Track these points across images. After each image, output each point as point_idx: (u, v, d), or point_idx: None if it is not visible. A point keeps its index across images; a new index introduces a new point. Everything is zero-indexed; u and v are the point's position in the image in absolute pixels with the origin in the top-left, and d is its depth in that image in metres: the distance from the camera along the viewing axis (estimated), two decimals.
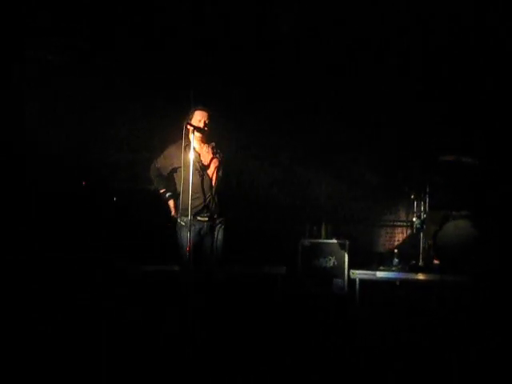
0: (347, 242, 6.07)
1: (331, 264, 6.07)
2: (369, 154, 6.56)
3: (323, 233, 6.29)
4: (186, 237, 3.98)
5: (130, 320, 4.48)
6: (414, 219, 6.01)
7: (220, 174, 4.21)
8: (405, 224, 6.68)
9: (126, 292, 5.27)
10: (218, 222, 4.22)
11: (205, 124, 4.14)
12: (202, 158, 4.18)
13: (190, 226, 3.97)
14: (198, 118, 4.15)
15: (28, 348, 3.71)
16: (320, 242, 6.17)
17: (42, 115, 5.53)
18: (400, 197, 6.52)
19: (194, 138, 4.07)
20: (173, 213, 4.31)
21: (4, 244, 5.22)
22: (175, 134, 4.14)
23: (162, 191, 4.35)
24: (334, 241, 6.13)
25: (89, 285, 5.33)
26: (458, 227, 5.66)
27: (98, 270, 5.67)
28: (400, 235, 6.77)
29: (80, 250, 5.70)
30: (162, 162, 4.30)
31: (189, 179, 3.89)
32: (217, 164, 4.21)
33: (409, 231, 6.62)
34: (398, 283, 5.85)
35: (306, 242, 6.16)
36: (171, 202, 4.30)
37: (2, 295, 4.64)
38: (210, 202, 4.15)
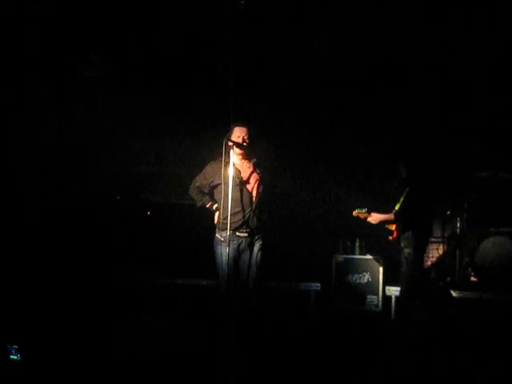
0: (381, 258, 6.01)
1: (365, 280, 5.98)
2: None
3: (357, 248, 6.23)
4: (225, 251, 4.00)
5: (159, 335, 4.49)
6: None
7: (261, 190, 4.21)
8: (440, 240, 6.58)
9: (155, 305, 5.28)
10: (256, 237, 4.22)
11: (243, 140, 4.16)
12: (242, 174, 4.19)
13: (229, 240, 3.98)
14: (238, 134, 4.17)
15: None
16: (354, 258, 6.09)
17: (75, 127, 5.62)
18: (435, 213, 6.43)
19: (235, 154, 4.09)
20: (216, 222, 4.29)
21: (36, 256, 5.30)
22: (214, 151, 4.17)
23: (208, 205, 4.35)
24: (369, 256, 6.06)
25: (115, 297, 5.38)
26: (496, 244, 5.58)
27: (126, 282, 5.74)
28: (435, 251, 6.66)
29: (109, 262, 5.77)
30: (202, 181, 4.31)
31: (228, 195, 3.92)
32: (257, 180, 4.21)
33: (444, 248, 6.52)
34: None
35: (340, 257, 6.10)
36: (217, 213, 4.27)
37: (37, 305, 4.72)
38: (249, 217, 4.15)
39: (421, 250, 5.03)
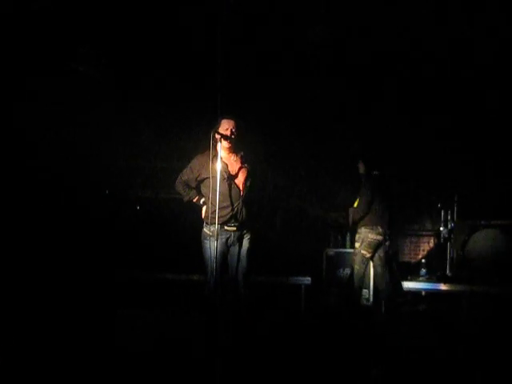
0: None
1: None
2: (394, 163, 6.48)
3: (347, 242, 6.22)
4: (213, 246, 3.95)
5: (150, 330, 4.43)
6: (441, 228, 5.91)
7: (248, 183, 4.16)
8: (430, 233, 6.58)
9: (146, 301, 5.24)
10: (245, 231, 4.18)
11: (231, 132, 4.09)
12: (229, 168, 4.13)
13: (217, 235, 3.93)
14: (225, 126, 4.10)
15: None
16: (344, 252, 6.08)
17: (66, 123, 5.56)
18: (426, 206, 6.43)
19: (222, 148, 4.01)
20: (203, 216, 4.23)
21: (27, 254, 5.24)
22: (201, 144, 4.11)
23: (195, 200, 4.29)
24: None
25: (105, 293, 5.33)
26: (487, 237, 5.57)
27: (116, 277, 5.69)
28: (426, 245, 6.67)
29: (99, 258, 5.72)
30: (189, 175, 4.24)
31: (216, 189, 3.86)
32: (245, 173, 4.16)
33: (434, 241, 6.52)
34: (423, 294, 5.76)
35: (331, 251, 6.08)
36: (205, 208, 4.22)
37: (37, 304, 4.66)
38: (237, 211, 4.10)
39: (370, 247, 5.13)
